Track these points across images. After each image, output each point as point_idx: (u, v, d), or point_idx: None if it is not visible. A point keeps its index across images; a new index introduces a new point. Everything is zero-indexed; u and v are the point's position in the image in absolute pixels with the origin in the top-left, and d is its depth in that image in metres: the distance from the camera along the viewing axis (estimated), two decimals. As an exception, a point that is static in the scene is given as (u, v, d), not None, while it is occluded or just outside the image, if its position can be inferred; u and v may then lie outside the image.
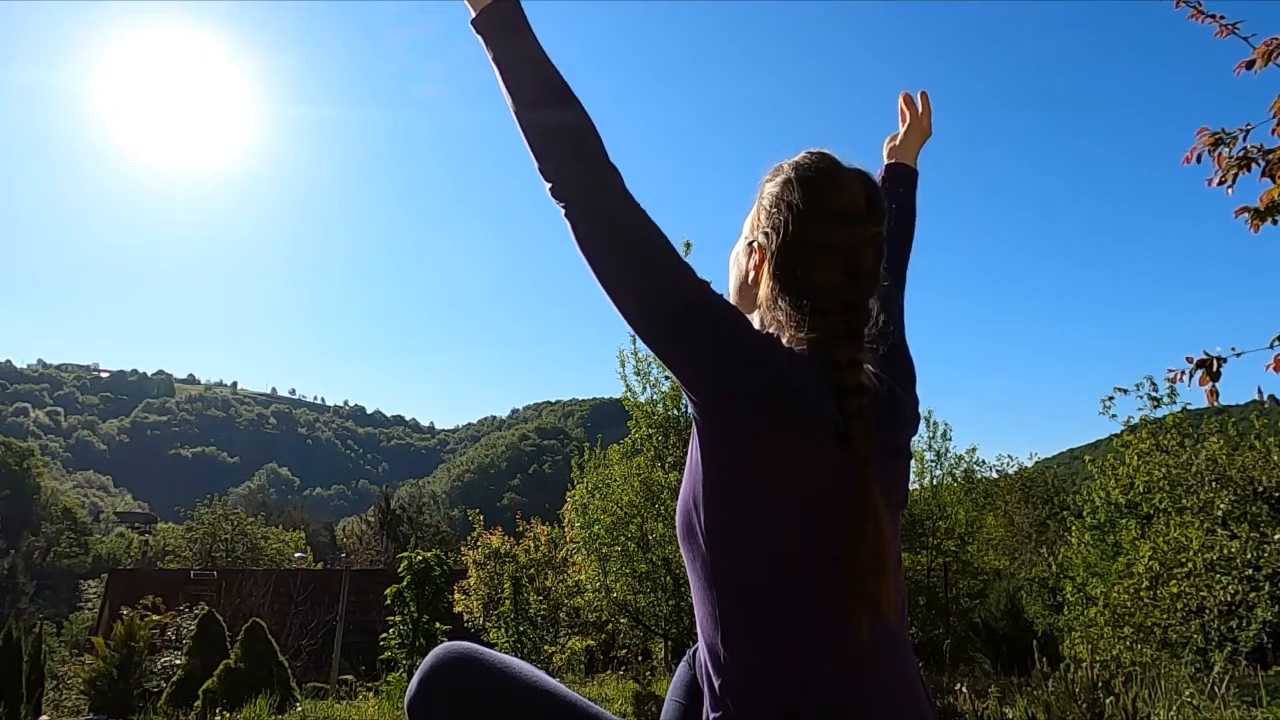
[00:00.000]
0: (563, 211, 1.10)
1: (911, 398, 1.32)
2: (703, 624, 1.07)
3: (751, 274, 1.21)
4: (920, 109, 1.75)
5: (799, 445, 1.01)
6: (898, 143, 1.74)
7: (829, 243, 1.13)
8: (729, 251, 1.32)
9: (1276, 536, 8.56)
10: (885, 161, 1.73)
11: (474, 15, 1.15)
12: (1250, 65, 2.43)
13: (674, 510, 9.59)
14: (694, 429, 1.08)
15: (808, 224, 1.13)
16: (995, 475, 23.77)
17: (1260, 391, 2.72)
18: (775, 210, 1.17)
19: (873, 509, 1.02)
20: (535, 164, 1.12)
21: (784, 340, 1.14)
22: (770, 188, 1.20)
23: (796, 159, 1.20)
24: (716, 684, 1.03)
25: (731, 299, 1.29)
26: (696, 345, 1.04)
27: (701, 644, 1.08)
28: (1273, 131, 2.45)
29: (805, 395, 1.03)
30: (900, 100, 1.78)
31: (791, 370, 1.04)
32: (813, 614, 1.01)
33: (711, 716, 1.04)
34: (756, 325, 1.22)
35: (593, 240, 1.09)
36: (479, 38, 1.16)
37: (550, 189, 1.11)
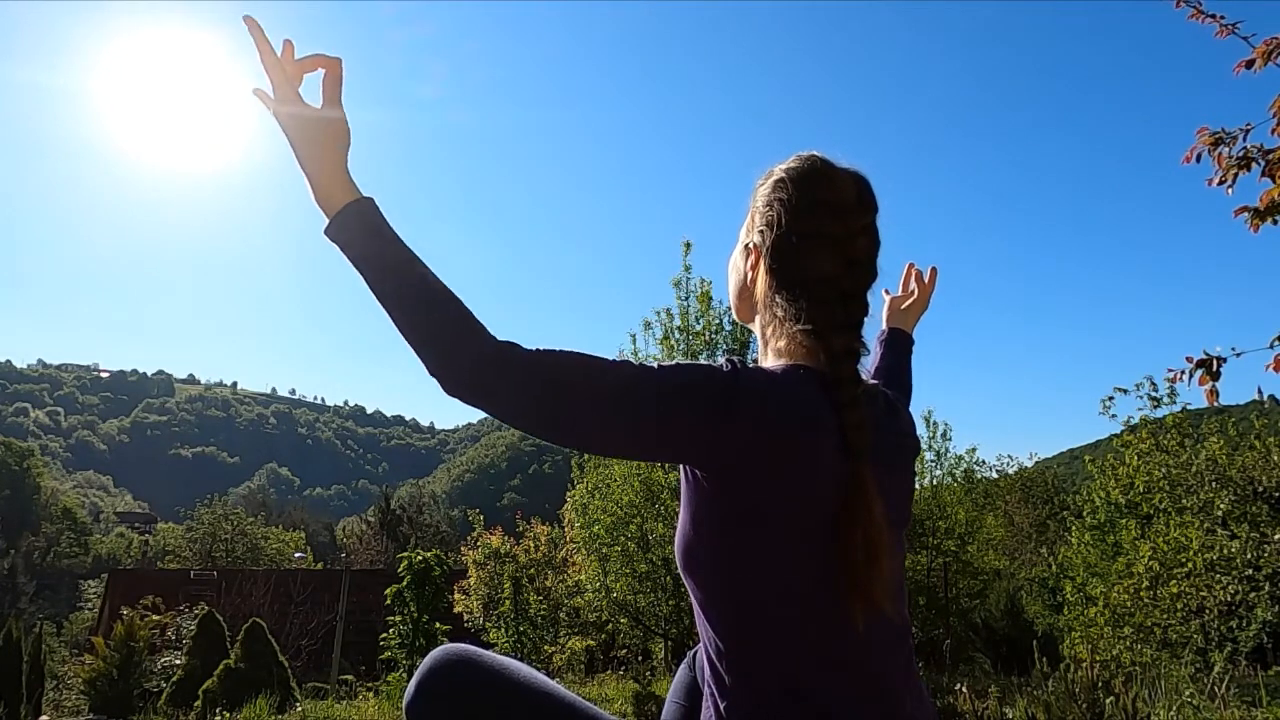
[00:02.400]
0: (496, 412, 1.02)
1: (909, 415, 1.31)
2: (706, 647, 1.06)
3: (749, 275, 1.22)
4: (927, 284, 1.81)
5: (802, 461, 1.00)
6: (902, 309, 1.78)
7: (822, 233, 1.13)
8: (726, 257, 1.32)
9: (1276, 536, 8.55)
10: (885, 325, 1.77)
11: (327, 224, 1.09)
12: (1250, 65, 2.44)
13: (674, 510, 9.65)
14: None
15: (800, 217, 1.14)
16: (995, 475, 23.87)
17: (1260, 391, 2.73)
18: (768, 209, 1.18)
19: (866, 500, 1.00)
20: (427, 366, 1.03)
21: (781, 341, 1.15)
22: (763, 190, 1.21)
23: (787, 161, 1.21)
24: (722, 705, 1.02)
25: (732, 305, 1.30)
26: (691, 427, 0.99)
27: (705, 663, 1.07)
28: (1272, 131, 2.45)
29: (799, 411, 1.01)
30: (907, 270, 1.84)
31: (775, 390, 1.02)
32: (813, 622, 1.00)
33: None
34: (756, 328, 1.23)
35: (545, 414, 1.01)
36: (336, 247, 1.08)
37: (452, 389, 1.02)
